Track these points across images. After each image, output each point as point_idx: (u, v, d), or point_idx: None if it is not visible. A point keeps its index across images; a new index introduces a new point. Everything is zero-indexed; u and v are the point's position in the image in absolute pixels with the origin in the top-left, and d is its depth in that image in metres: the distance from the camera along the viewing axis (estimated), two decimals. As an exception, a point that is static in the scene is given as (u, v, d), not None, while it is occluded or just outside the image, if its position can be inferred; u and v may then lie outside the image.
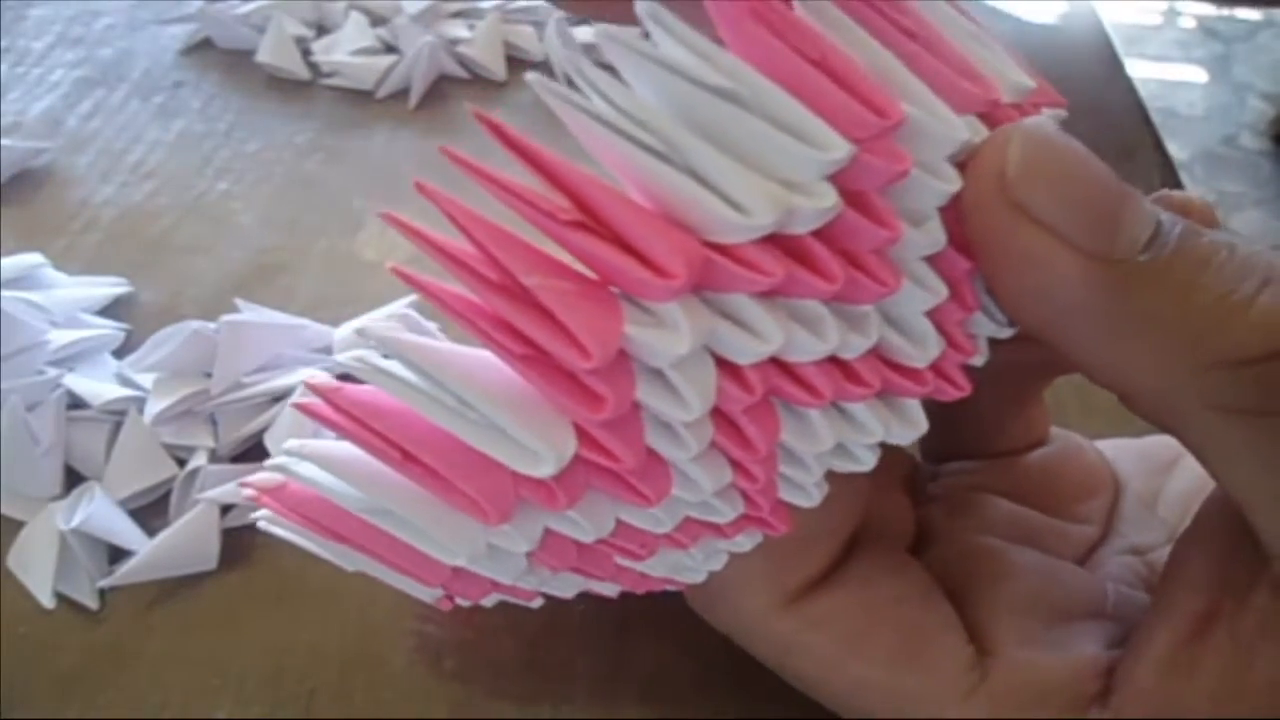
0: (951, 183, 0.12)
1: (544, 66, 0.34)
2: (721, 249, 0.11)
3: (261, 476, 0.15)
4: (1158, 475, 0.19)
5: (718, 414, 0.12)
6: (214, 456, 0.22)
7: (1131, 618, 0.16)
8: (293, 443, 0.14)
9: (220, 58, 0.35)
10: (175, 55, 0.35)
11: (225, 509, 0.21)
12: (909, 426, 0.14)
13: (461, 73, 0.34)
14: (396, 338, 0.12)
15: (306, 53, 0.34)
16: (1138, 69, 0.37)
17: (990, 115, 0.13)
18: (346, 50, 0.34)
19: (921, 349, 0.13)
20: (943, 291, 0.13)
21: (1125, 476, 0.19)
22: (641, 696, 0.19)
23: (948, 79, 0.12)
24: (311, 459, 0.14)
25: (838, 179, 0.11)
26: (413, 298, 0.25)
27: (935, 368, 0.13)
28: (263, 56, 0.33)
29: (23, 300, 0.23)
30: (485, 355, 0.12)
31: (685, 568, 0.15)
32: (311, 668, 0.19)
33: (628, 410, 0.12)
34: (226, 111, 0.33)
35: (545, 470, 0.12)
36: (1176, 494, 0.19)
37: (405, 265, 0.12)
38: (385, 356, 0.12)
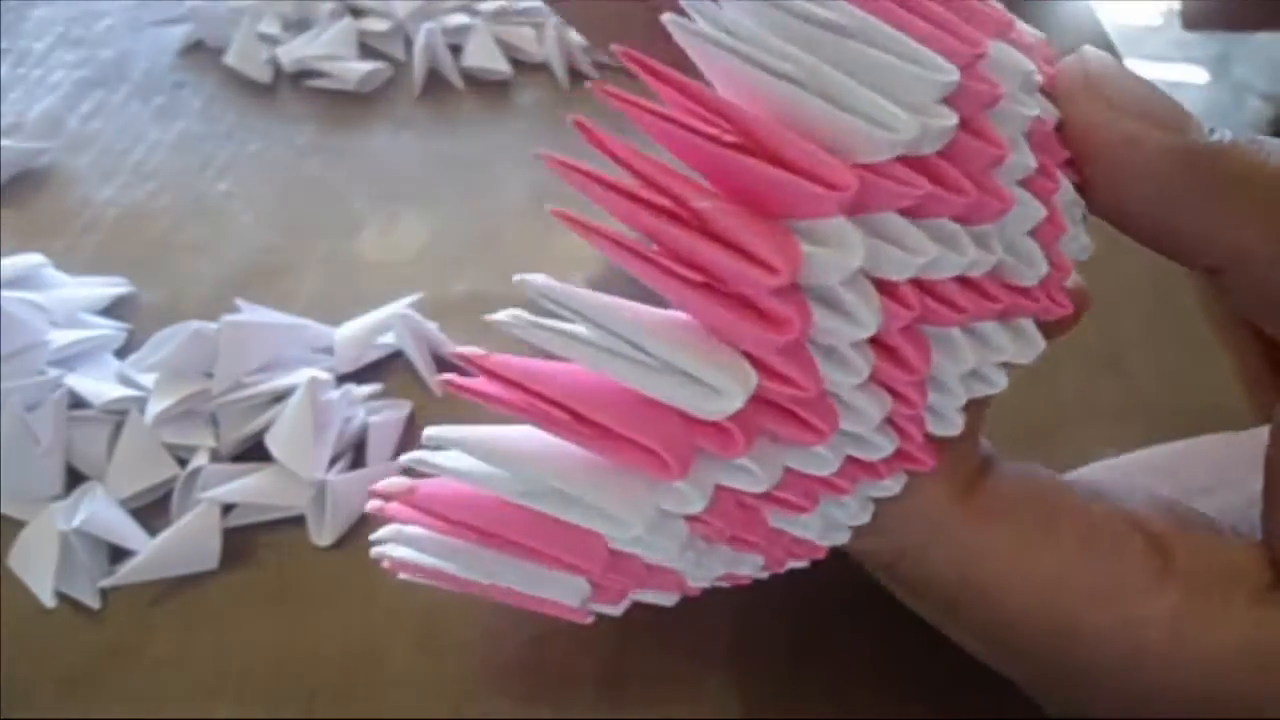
0: (1031, 108, 0.13)
1: (544, 68, 0.34)
2: (870, 168, 0.11)
3: (391, 482, 0.14)
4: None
5: (873, 341, 0.12)
6: (215, 456, 0.22)
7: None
8: (431, 430, 0.13)
9: (220, 58, 0.35)
10: (176, 56, 0.35)
11: (226, 509, 0.21)
12: (1029, 345, 0.14)
13: (458, 80, 0.34)
14: (559, 287, 0.12)
15: (278, 54, 0.34)
16: (1137, 69, 0.37)
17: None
18: (330, 50, 0.34)
19: (1031, 267, 0.14)
20: (1041, 211, 0.13)
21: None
22: (643, 697, 0.19)
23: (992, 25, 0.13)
24: (455, 445, 0.13)
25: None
26: (413, 297, 0.25)
27: (1043, 286, 0.14)
28: (230, 59, 0.33)
29: (24, 300, 0.23)
30: (644, 305, 0.12)
31: (837, 524, 0.15)
32: (312, 668, 0.19)
33: (800, 336, 0.11)
34: (227, 112, 0.33)
35: (734, 404, 0.11)
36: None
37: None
38: (538, 314, 0.12)
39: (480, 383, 0.12)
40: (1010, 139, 0.13)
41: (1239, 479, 0.16)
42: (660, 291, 0.11)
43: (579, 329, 0.12)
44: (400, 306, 0.25)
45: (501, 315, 0.12)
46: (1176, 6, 0.39)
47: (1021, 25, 0.14)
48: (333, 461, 0.22)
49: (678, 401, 0.12)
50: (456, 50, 0.34)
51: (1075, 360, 0.25)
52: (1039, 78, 0.13)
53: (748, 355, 0.12)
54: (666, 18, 0.11)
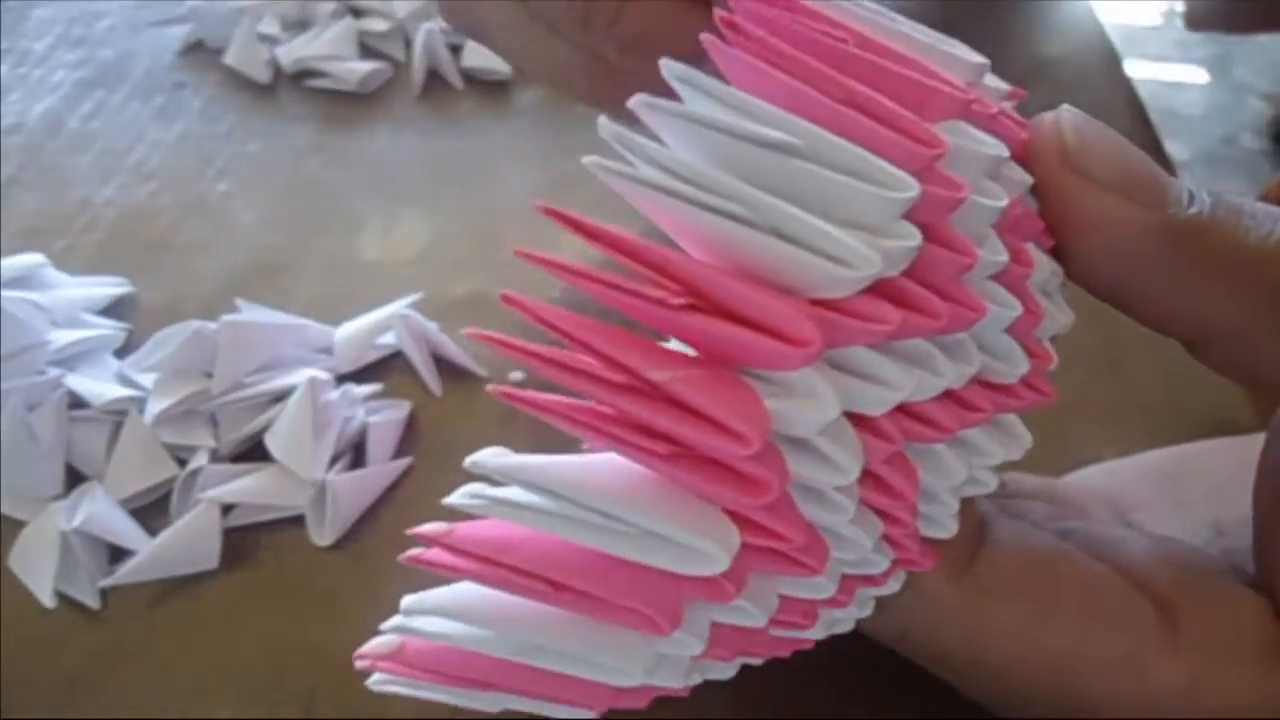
0: (998, 198, 0.12)
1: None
2: (832, 305, 0.10)
3: (377, 643, 0.14)
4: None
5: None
6: (215, 456, 0.22)
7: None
8: (409, 599, 0.13)
9: (220, 58, 0.35)
10: (176, 56, 0.35)
11: (226, 509, 0.21)
12: (1017, 442, 0.14)
13: (458, 80, 0.34)
14: (516, 464, 0.11)
15: (278, 55, 0.34)
16: (1137, 69, 0.37)
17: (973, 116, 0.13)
18: (330, 50, 0.34)
19: (1011, 365, 0.13)
20: (1017, 308, 0.13)
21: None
22: (642, 696, 0.19)
23: (931, 94, 0.12)
24: (434, 612, 0.13)
25: (907, 215, 0.11)
26: (413, 297, 0.25)
27: (1026, 381, 0.14)
28: (230, 59, 0.33)
29: (24, 300, 0.23)
30: (608, 461, 0.11)
31: (838, 622, 0.15)
32: (312, 667, 0.19)
33: (778, 494, 0.11)
34: (227, 112, 0.33)
35: (718, 567, 0.11)
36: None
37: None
38: (500, 486, 0.12)
39: (446, 557, 0.12)
40: (978, 236, 0.12)
41: (1239, 493, 0.16)
42: (630, 460, 0.11)
43: (545, 502, 0.11)
44: (400, 306, 0.25)
45: (457, 497, 0.12)
46: (1177, 7, 0.39)
47: (986, 80, 0.14)
48: (333, 461, 0.22)
49: (660, 565, 0.11)
50: (456, 50, 0.34)
51: (1075, 361, 0.25)
52: (1006, 153, 0.13)
53: (728, 510, 0.11)
54: (589, 161, 0.10)
